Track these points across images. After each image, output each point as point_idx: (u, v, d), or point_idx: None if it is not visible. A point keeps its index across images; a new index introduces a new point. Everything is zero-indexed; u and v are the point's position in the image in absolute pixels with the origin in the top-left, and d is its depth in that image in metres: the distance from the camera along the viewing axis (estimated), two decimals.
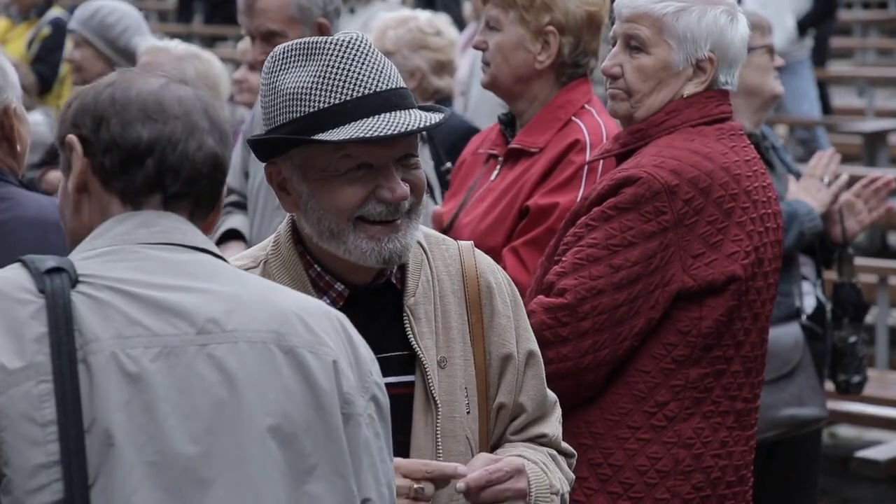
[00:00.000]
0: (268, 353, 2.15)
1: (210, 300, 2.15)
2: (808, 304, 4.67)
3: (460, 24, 8.79)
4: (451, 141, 5.11)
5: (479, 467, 2.69)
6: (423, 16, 5.61)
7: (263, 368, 2.15)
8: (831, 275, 4.94)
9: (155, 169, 2.21)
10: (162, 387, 2.09)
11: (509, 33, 3.94)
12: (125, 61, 5.82)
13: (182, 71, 5.33)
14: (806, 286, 4.69)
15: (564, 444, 2.92)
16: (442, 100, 5.72)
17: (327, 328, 2.22)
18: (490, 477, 2.67)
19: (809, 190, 4.73)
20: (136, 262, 2.16)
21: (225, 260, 2.26)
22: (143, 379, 2.09)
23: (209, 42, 14.85)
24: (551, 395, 2.91)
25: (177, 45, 5.53)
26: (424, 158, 4.92)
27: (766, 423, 4.44)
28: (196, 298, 2.15)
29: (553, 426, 2.89)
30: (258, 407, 2.13)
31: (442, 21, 5.68)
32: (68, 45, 6.30)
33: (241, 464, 2.11)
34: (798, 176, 4.90)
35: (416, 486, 2.60)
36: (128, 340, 2.09)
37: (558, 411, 2.93)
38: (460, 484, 2.65)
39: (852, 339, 4.69)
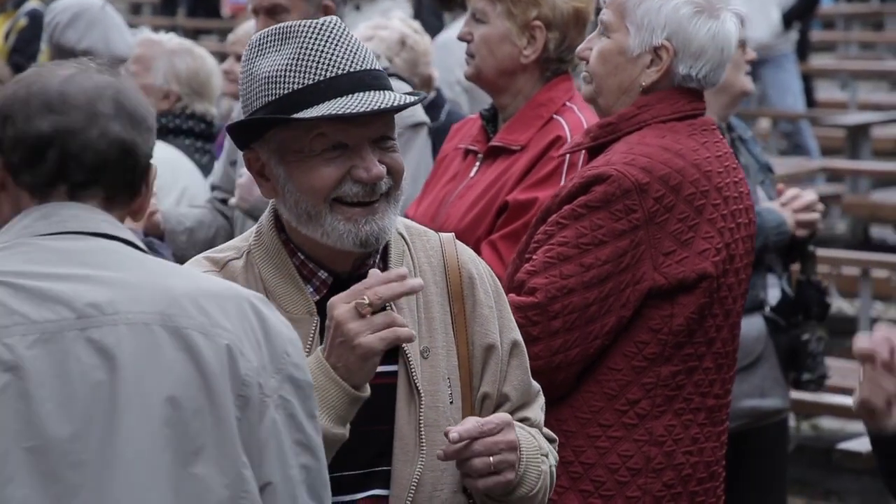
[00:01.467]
0: (150, 333, 2.17)
1: (95, 286, 2.17)
2: (773, 295, 4.67)
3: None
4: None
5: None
6: (402, 25, 5.57)
7: (145, 349, 2.16)
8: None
9: (56, 160, 2.24)
10: (38, 373, 2.12)
11: (496, 26, 3.94)
12: (62, 58, 5.81)
13: (173, 65, 5.32)
14: (771, 278, 4.68)
15: (546, 430, 2.93)
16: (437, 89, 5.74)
17: (229, 310, 2.23)
18: (482, 429, 2.67)
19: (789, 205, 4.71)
20: (27, 255, 2.19)
21: (134, 244, 2.27)
22: (20, 366, 2.11)
23: (192, 35, 14.81)
24: (535, 384, 2.92)
25: (170, 39, 5.52)
26: (428, 145, 4.92)
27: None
28: (81, 285, 2.17)
29: (536, 412, 2.90)
30: (139, 388, 2.14)
31: (408, 18, 5.68)
32: (45, 52, 6.31)
33: (119, 445, 2.13)
34: (768, 168, 4.90)
35: (357, 301, 2.60)
36: (5, 329, 2.12)
37: (542, 400, 2.94)
38: (453, 434, 2.65)
39: (805, 336, 4.69)
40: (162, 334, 2.17)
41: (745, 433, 4.60)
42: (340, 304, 2.61)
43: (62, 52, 5.81)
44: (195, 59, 5.40)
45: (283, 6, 4.53)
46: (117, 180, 2.27)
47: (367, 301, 2.59)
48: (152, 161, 2.33)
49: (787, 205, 4.72)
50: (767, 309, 4.63)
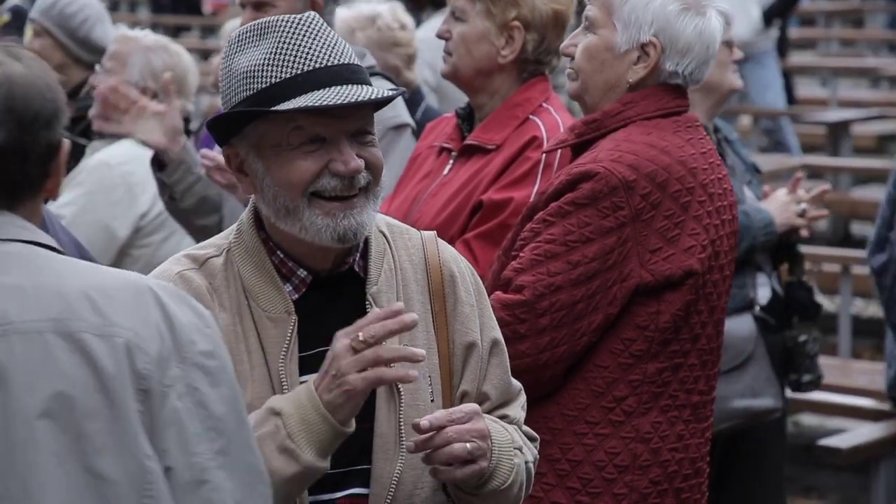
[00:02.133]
0: (42, 341, 2.17)
1: None
2: (763, 295, 4.66)
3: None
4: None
5: None
6: (386, 11, 5.57)
7: (36, 357, 2.16)
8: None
9: None
10: None
11: (474, 25, 3.94)
12: (85, 52, 5.78)
13: (149, 62, 5.30)
14: (761, 277, 4.68)
15: (526, 428, 2.92)
16: (413, 91, 5.71)
17: (126, 305, 2.22)
18: (451, 417, 2.66)
19: (778, 203, 4.71)
20: None
21: (40, 243, 2.26)
22: None
23: (173, 32, 14.80)
24: (516, 383, 2.91)
25: (146, 35, 5.48)
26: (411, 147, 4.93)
27: (720, 415, 4.44)
28: None
29: (516, 411, 2.89)
30: (29, 396, 2.14)
31: (401, 12, 5.66)
32: (28, 33, 6.25)
33: (10, 454, 2.13)
34: (755, 168, 4.91)
35: (356, 338, 2.59)
36: None
37: (523, 398, 2.93)
38: (423, 422, 2.64)
39: (802, 337, 4.69)
40: (55, 341, 2.17)
41: (740, 433, 4.59)
42: (341, 338, 2.60)
43: (89, 48, 5.76)
44: (171, 55, 5.37)
45: (269, 1, 4.51)
46: (14, 181, 2.25)
47: (360, 338, 2.58)
48: (63, 138, 2.30)
49: (789, 203, 4.71)
50: (757, 308, 4.63)
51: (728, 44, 4.69)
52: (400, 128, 4.77)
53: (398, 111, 4.64)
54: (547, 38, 3.92)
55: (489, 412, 2.84)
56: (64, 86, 6.50)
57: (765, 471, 4.79)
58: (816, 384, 4.77)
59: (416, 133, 4.98)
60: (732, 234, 3.63)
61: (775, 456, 4.85)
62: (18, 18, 8.27)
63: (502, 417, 2.85)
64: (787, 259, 4.75)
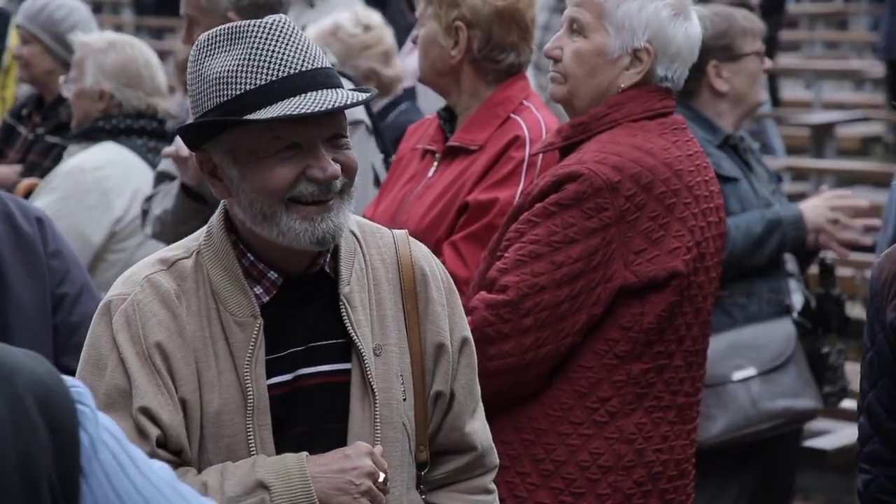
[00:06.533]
0: None
1: None
2: (797, 300, 4.66)
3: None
4: (397, 135, 5.10)
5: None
6: (346, 18, 5.56)
7: None
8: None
9: None
10: None
11: (427, 28, 3.97)
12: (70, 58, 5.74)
13: (99, 63, 5.25)
14: (792, 283, 4.68)
15: (490, 457, 2.93)
16: (406, 89, 5.70)
17: None
18: None
19: (811, 203, 4.67)
20: None
21: None
22: None
23: (157, 34, 14.79)
24: (477, 388, 2.91)
25: (100, 38, 5.41)
26: (371, 150, 4.91)
27: (761, 416, 4.44)
28: None
29: (482, 432, 2.90)
30: None
31: (364, 13, 5.66)
32: (12, 37, 6.21)
33: None
34: (777, 177, 4.91)
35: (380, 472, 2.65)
36: None
37: (482, 408, 2.94)
38: None
39: (826, 349, 4.67)
40: None
41: (759, 441, 4.57)
42: (371, 458, 2.65)
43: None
44: (119, 52, 5.28)
45: (194, 19, 4.50)
46: None
47: (382, 479, 2.65)
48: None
49: (822, 206, 4.66)
50: (795, 314, 4.61)
51: (759, 54, 4.66)
52: (353, 124, 4.77)
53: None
54: (494, 35, 3.91)
55: (456, 418, 2.85)
56: (52, 92, 6.47)
57: (777, 482, 4.78)
58: (840, 396, 4.73)
59: (376, 132, 4.98)
60: (719, 237, 3.63)
61: (791, 470, 4.85)
62: (1, 21, 8.22)
63: (469, 447, 2.87)
64: (819, 269, 4.68)
